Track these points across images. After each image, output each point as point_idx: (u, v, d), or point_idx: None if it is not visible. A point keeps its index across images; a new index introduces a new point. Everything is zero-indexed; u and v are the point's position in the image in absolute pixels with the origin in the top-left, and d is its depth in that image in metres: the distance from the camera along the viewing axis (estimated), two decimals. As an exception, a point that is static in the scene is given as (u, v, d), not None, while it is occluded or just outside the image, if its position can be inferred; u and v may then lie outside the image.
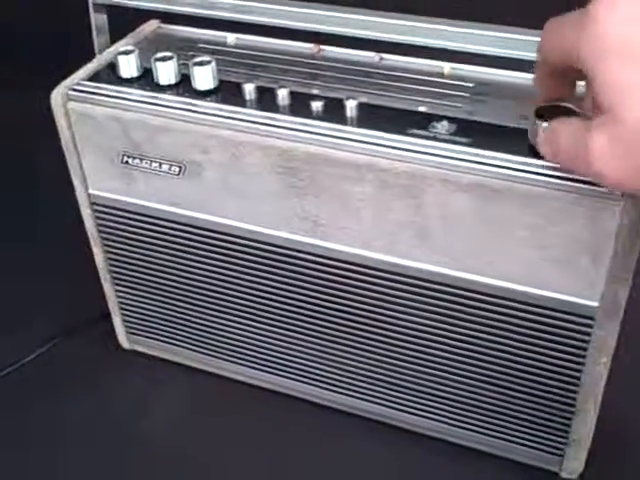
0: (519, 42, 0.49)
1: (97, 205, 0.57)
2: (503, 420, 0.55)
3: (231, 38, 0.58)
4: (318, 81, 0.53)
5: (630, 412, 0.59)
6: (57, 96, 0.53)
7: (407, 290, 0.51)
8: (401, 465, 0.57)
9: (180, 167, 0.53)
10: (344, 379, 0.58)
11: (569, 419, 0.53)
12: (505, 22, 0.51)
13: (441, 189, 0.46)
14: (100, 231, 0.59)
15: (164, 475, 0.58)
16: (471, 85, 0.52)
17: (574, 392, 0.51)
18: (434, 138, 0.47)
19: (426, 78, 0.53)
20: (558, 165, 0.42)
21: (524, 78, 0.51)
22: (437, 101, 0.50)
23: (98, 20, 0.57)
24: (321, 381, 0.60)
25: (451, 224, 0.47)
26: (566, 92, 0.43)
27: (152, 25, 0.60)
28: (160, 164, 0.53)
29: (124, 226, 0.58)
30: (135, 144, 0.53)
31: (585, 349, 0.49)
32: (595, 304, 0.47)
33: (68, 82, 0.54)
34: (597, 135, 0.34)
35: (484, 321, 0.50)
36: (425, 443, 0.58)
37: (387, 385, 0.57)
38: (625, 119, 0.32)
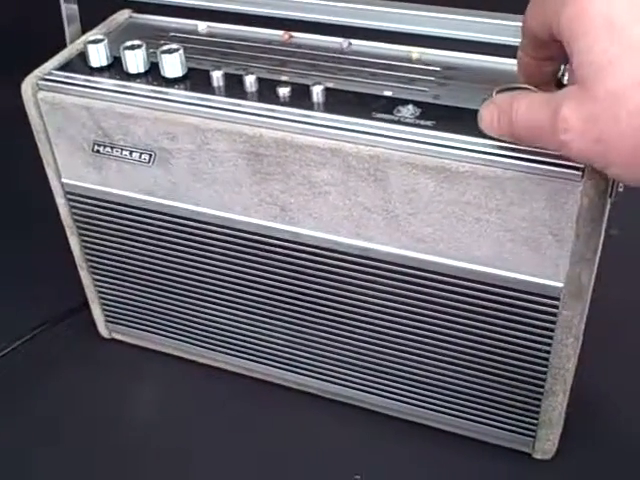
0: (490, 26, 0.50)
1: (71, 194, 0.58)
2: (473, 402, 0.55)
3: (202, 26, 0.59)
4: (287, 68, 0.53)
5: (604, 393, 0.60)
6: (27, 86, 0.53)
7: (375, 274, 0.51)
8: (371, 447, 0.58)
9: (150, 155, 0.53)
10: (316, 363, 0.59)
11: (539, 400, 0.53)
12: (481, 7, 0.51)
13: (406, 172, 0.46)
14: (75, 220, 0.59)
15: (145, 463, 0.58)
16: (439, 69, 0.52)
17: (543, 373, 0.51)
18: (399, 122, 0.47)
19: (394, 63, 0.53)
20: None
21: (493, 62, 0.52)
22: (404, 85, 0.50)
23: (69, 10, 0.57)
24: (294, 366, 0.60)
25: (417, 207, 0.47)
26: (546, 75, 0.43)
27: (124, 14, 0.60)
28: (130, 152, 0.53)
29: (98, 215, 0.58)
30: (105, 133, 0.53)
31: (552, 330, 0.49)
32: (560, 285, 0.47)
33: (38, 72, 0.54)
34: (567, 106, 0.34)
35: (451, 303, 0.51)
36: (395, 425, 0.59)
37: (356, 368, 0.57)
38: (597, 93, 0.32)
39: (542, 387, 0.52)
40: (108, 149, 0.54)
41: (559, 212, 0.44)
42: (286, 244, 0.53)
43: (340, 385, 0.59)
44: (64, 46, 0.57)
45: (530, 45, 0.41)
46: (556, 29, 0.35)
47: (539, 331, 0.49)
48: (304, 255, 0.53)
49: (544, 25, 0.37)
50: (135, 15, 0.61)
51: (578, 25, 0.33)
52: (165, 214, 0.56)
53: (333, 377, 0.59)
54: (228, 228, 0.54)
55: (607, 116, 0.32)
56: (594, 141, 0.33)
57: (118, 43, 0.54)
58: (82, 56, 0.55)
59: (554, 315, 0.48)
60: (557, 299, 0.48)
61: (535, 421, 0.54)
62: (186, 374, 0.64)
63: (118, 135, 0.53)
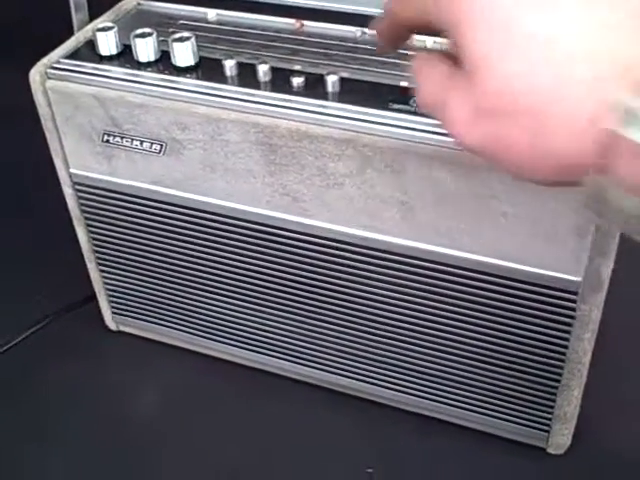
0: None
1: (79, 185, 0.57)
2: (488, 396, 0.55)
3: (212, 14, 0.58)
4: (299, 57, 0.52)
5: (618, 388, 0.59)
6: (35, 75, 0.52)
7: (390, 267, 0.51)
8: (385, 442, 0.57)
9: (161, 145, 0.52)
10: (331, 357, 0.58)
11: (554, 394, 0.52)
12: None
13: (424, 164, 0.45)
14: (83, 211, 0.58)
15: (151, 455, 0.58)
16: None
17: (559, 367, 0.51)
18: (416, 113, 0.46)
19: (410, 52, 0.52)
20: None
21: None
22: (420, 75, 0.49)
23: (77, -4, 0.56)
24: (307, 359, 0.59)
25: (434, 200, 0.47)
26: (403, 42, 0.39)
27: (132, 1, 0.59)
28: (141, 142, 0.52)
29: (107, 205, 0.57)
30: (115, 122, 0.52)
31: (569, 324, 0.49)
32: (579, 279, 0.46)
33: (46, 60, 0.53)
34: (456, 98, 0.31)
35: (467, 297, 0.50)
36: (409, 420, 0.58)
37: (369, 362, 0.57)
38: (485, 87, 0.29)
39: (558, 381, 0.52)
40: (118, 139, 0.53)
41: (581, 205, 0.43)
42: (298, 236, 0.52)
43: (353, 379, 0.59)
44: (71, 34, 0.56)
45: (394, 26, 0.38)
46: (436, 17, 0.32)
47: (557, 325, 0.49)
48: (316, 247, 0.52)
49: (418, 10, 0.34)
50: (143, 2, 0.60)
51: (462, 15, 0.30)
52: (175, 205, 0.55)
53: (346, 371, 0.58)
54: (239, 219, 0.53)
55: (495, 112, 0.29)
56: (482, 136, 0.31)
57: (127, 31, 0.53)
58: (91, 44, 0.54)
59: (572, 310, 0.48)
60: (576, 293, 0.47)
61: (550, 415, 0.54)
62: (193, 367, 0.64)
63: (128, 125, 0.52)
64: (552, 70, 0.27)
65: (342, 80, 0.49)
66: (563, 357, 0.50)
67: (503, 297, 0.49)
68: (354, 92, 0.48)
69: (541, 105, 0.28)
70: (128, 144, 0.53)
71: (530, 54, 0.28)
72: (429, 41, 0.52)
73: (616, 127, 0.26)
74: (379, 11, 0.52)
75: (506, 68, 0.28)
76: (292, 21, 0.56)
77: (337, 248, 0.51)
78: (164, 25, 0.56)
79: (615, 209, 0.28)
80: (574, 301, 0.47)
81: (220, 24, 0.57)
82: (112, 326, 0.66)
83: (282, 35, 0.55)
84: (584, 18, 0.27)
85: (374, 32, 0.39)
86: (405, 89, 0.48)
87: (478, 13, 0.29)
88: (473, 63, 0.30)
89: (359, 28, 0.54)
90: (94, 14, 0.58)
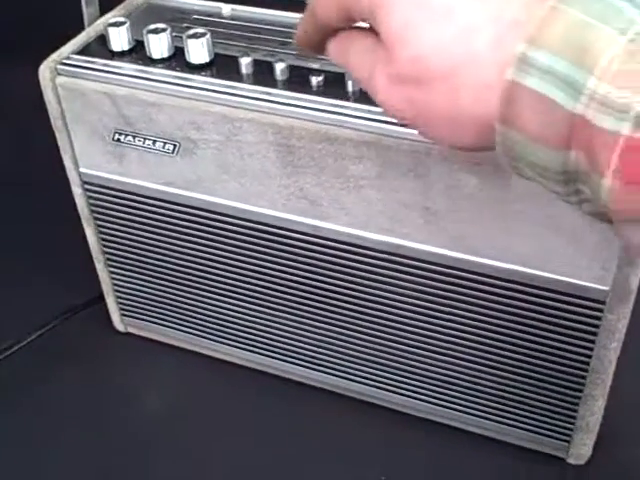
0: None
1: (88, 184, 0.55)
2: (508, 405, 0.53)
3: (226, 9, 0.56)
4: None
5: (637, 397, 0.58)
6: (45, 71, 0.51)
7: (410, 272, 0.49)
8: (401, 449, 0.56)
9: (174, 145, 0.50)
10: (342, 361, 0.57)
11: (577, 404, 0.51)
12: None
13: (449, 168, 0.44)
14: (92, 211, 0.57)
15: (158, 456, 0.57)
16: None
17: (583, 377, 0.49)
18: (440, 114, 0.45)
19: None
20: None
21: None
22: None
23: (87, -10, 0.54)
24: (320, 364, 0.58)
25: (458, 204, 0.45)
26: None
27: (143, -5, 0.58)
28: (154, 142, 0.51)
29: (117, 206, 0.56)
30: (127, 121, 0.51)
31: (595, 334, 0.47)
32: (606, 288, 0.45)
33: (56, 56, 0.51)
34: (378, 68, 0.34)
35: (490, 304, 0.49)
36: (430, 428, 0.57)
37: (390, 370, 0.55)
38: (400, 57, 0.32)
39: (581, 391, 0.50)
40: (130, 138, 0.51)
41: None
42: (315, 239, 0.51)
43: (367, 385, 0.57)
44: (81, 28, 0.55)
45: (314, 33, 0.38)
46: (357, 8, 0.34)
47: (582, 334, 0.48)
48: (334, 251, 0.51)
49: (338, 7, 0.35)
50: (154, -5, 0.58)
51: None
52: (187, 206, 0.53)
53: (360, 376, 0.57)
54: (253, 222, 0.52)
55: (412, 79, 0.32)
56: (404, 104, 0.33)
57: (139, 26, 0.51)
58: (102, 39, 0.52)
59: (598, 319, 0.46)
60: (603, 302, 0.46)
61: (571, 425, 0.52)
62: (202, 369, 0.63)
63: (141, 123, 0.50)
64: (457, 34, 0.30)
65: (363, 80, 0.47)
66: (587, 367, 0.49)
67: (527, 305, 0.48)
68: (375, 92, 0.47)
69: (450, 69, 0.30)
70: (140, 143, 0.51)
71: (437, 24, 0.30)
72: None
73: (517, 78, 0.28)
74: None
75: (418, 38, 0.31)
76: (309, 17, 0.55)
77: (355, 252, 0.50)
78: (177, 20, 0.54)
79: (526, 162, 0.30)
80: (601, 310, 0.46)
81: (234, 19, 0.55)
82: (120, 328, 0.65)
83: (299, 31, 0.53)
84: None
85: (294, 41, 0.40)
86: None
87: None
88: (390, 38, 0.32)
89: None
90: (104, 8, 0.56)
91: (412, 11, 0.31)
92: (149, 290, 0.60)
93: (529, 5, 0.29)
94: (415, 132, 0.43)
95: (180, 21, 0.54)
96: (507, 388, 0.52)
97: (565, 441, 0.53)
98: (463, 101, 0.30)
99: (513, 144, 0.30)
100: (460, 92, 0.30)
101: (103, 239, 0.59)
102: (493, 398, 0.53)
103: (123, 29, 0.51)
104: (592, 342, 0.48)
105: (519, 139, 0.29)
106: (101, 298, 0.63)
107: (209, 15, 0.56)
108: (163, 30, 0.50)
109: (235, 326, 0.59)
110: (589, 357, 0.48)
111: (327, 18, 0.36)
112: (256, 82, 0.48)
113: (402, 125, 0.44)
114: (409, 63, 0.31)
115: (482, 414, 0.55)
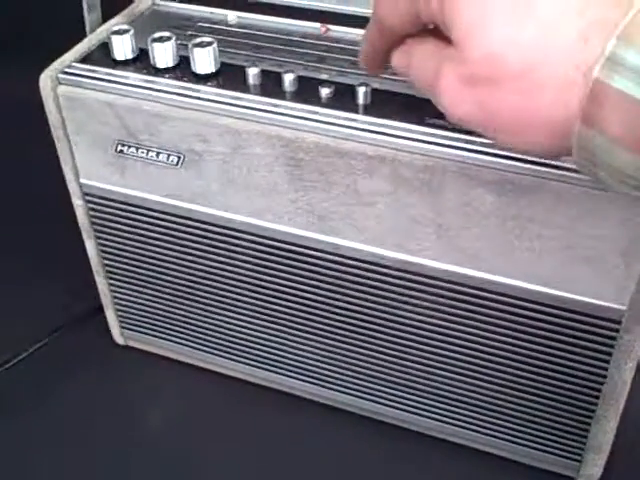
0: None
1: (89, 196, 0.54)
2: (520, 424, 0.52)
3: (232, 16, 0.55)
4: (326, 65, 0.49)
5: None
6: (46, 79, 0.49)
7: (422, 290, 0.48)
8: (415, 468, 0.55)
9: (179, 157, 0.49)
10: (354, 379, 0.56)
11: (589, 424, 0.50)
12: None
13: (463, 184, 0.43)
14: (93, 223, 0.55)
15: (160, 472, 0.56)
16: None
17: (596, 397, 0.48)
18: (454, 129, 0.43)
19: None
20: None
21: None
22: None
23: (89, -4, 0.53)
24: (324, 380, 0.57)
25: (472, 221, 0.44)
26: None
27: (147, 1, 0.56)
28: (157, 153, 0.49)
29: (118, 218, 0.54)
30: (130, 132, 0.49)
31: (610, 354, 0.46)
32: (623, 307, 0.44)
33: (58, 64, 0.50)
34: (446, 69, 0.32)
35: (503, 323, 0.47)
36: (440, 447, 0.56)
37: (401, 387, 0.54)
38: (472, 55, 0.30)
39: (593, 411, 0.49)
40: (133, 150, 0.50)
41: (631, 231, 0.41)
42: (323, 255, 0.49)
43: (375, 402, 0.56)
44: (83, 34, 0.53)
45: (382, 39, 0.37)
46: (426, 8, 0.32)
47: (596, 354, 0.46)
48: (343, 267, 0.49)
49: (405, 12, 0.34)
50: (158, 2, 0.57)
51: None
52: (191, 219, 0.52)
53: (368, 393, 0.56)
54: (259, 236, 0.51)
55: (485, 79, 0.30)
56: (474, 108, 0.31)
57: (143, 34, 0.50)
58: (104, 47, 0.51)
59: (614, 339, 0.45)
60: (619, 322, 0.44)
61: (583, 445, 0.51)
62: (204, 384, 0.61)
63: (144, 135, 0.49)
64: (536, 31, 0.28)
65: (374, 91, 0.46)
66: (600, 387, 0.48)
67: (541, 324, 0.46)
68: (386, 104, 0.45)
69: (528, 67, 0.28)
70: (143, 155, 0.50)
71: (515, 18, 0.28)
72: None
73: (603, 77, 0.27)
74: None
75: (493, 33, 0.29)
76: (317, 25, 0.53)
77: (365, 269, 0.49)
78: (182, 27, 0.53)
79: (606, 165, 0.28)
80: (617, 330, 0.45)
81: (241, 27, 0.54)
82: (120, 341, 0.63)
83: (307, 40, 0.52)
84: None
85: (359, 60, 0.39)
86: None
87: None
88: (459, 34, 0.30)
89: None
90: (107, 13, 0.55)
91: (487, 3, 0.29)
92: (150, 303, 0.59)
93: (618, 1, 0.27)
94: (428, 147, 0.43)
95: (185, 28, 0.53)
96: (518, 407, 0.51)
97: (576, 460, 0.52)
98: (540, 102, 0.29)
99: (594, 147, 0.28)
100: (538, 92, 0.29)
101: (103, 251, 0.57)
102: (502, 416, 0.52)
103: (127, 37, 0.49)
104: (607, 362, 0.46)
105: (600, 142, 0.28)
106: (100, 310, 0.62)
107: (215, 22, 0.54)
108: (168, 39, 0.48)
109: (237, 340, 0.58)
110: (603, 377, 0.47)
111: (394, 23, 0.34)
112: (264, 93, 0.47)
113: (414, 140, 0.43)
114: (482, 61, 0.29)
115: (492, 432, 0.53)
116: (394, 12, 0.34)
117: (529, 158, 0.41)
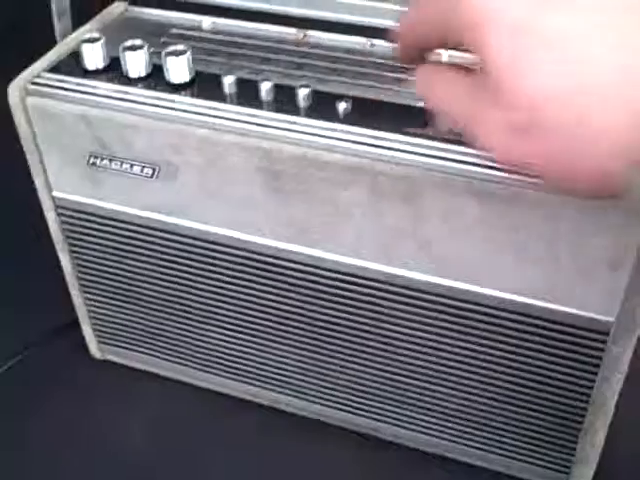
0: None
1: (62, 209, 0.52)
2: (507, 437, 0.51)
3: (207, 22, 0.53)
4: (304, 72, 0.48)
5: (637, 428, 0.56)
6: (15, 90, 0.48)
7: (405, 302, 0.47)
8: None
9: (153, 169, 0.48)
10: (330, 391, 0.54)
11: (577, 437, 0.49)
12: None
13: (444, 195, 0.41)
14: (67, 236, 0.54)
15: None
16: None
17: (584, 409, 0.47)
18: (435, 137, 0.42)
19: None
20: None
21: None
22: (437, 95, 0.45)
23: (59, 2, 0.51)
24: (306, 393, 0.55)
25: (454, 232, 0.43)
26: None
27: (119, 7, 0.55)
28: (131, 165, 0.48)
29: (93, 231, 0.53)
30: (103, 144, 0.48)
31: (597, 365, 0.45)
32: (611, 319, 0.43)
33: (27, 74, 0.48)
34: (489, 115, 0.30)
35: (488, 335, 0.46)
36: (425, 460, 0.55)
37: (387, 401, 0.53)
38: (519, 102, 0.28)
39: (581, 423, 0.48)
40: (106, 162, 0.48)
41: (620, 242, 0.40)
42: (303, 267, 0.48)
43: (360, 416, 0.55)
44: (52, 42, 0.52)
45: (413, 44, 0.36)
46: (454, 34, 0.30)
47: (584, 366, 0.45)
48: (323, 280, 0.48)
49: (434, 25, 0.32)
50: (131, 8, 0.55)
51: (478, 17, 0.28)
52: (168, 232, 0.50)
53: (351, 407, 0.55)
54: (238, 249, 0.49)
55: (533, 127, 0.28)
56: (524, 153, 0.30)
57: (115, 42, 0.48)
58: (75, 56, 0.49)
59: (601, 350, 0.44)
60: (606, 334, 0.43)
61: (571, 457, 0.50)
62: (183, 398, 0.60)
63: (117, 146, 0.47)
64: (585, 76, 0.26)
65: (354, 100, 0.44)
66: (587, 399, 0.47)
67: (528, 336, 0.45)
68: (366, 113, 0.44)
69: (580, 114, 0.27)
70: (117, 167, 0.48)
71: (559, 60, 0.27)
72: (444, 55, 0.48)
73: None
74: (387, 22, 0.49)
75: (536, 79, 0.27)
76: (293, 31, 0.52)
77: (346, 281, 0.47)
78: (155, 34, 0.51)
79: None
80: (604, 341, 0.44)
81: (216, 33, 0.52)
82: (97, 355, 0.62)
83: (284, 47, 0.51)
84: (603, 19, 0.26)
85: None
86: (423, 110, 0.44)
87: (493, 12, 0.28)
88: (498, 74, 0.28)
89: (369, 39, 0.50)
90: (79, 18, 0.53)
91: (521, 38, 0.27)
92: (127, 317, 0.58)
93: None
94: (407, 157, 0.42)
95: (158, 35, 0.52)
96: (505, 419, 0.50)
97: (564, 473, 0.51)
98: (593, 145, 0.27)
99: None
100: (589, 136, 0.27)
101: (78, 265, 0.56)
102: (490, 429, 0.51)
103: (97, 46, 0.48)
104: (594, 374, 0.45)
105: None
106: (77, 324, 0.60)
107: (189, 29, 0.53)
108: (140, 47, 0.47)
109: (216, 353, 0.57)
110: (590, 389, 0.46)
111: (420, 37, 0.34)
112: (240, 103, 0.46)
113: (394, 149, 0.42)
114: (529, 111, 0.28)
115: (478, 445, 0.52)
116: (427, 17, 0.33)
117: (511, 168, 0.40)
